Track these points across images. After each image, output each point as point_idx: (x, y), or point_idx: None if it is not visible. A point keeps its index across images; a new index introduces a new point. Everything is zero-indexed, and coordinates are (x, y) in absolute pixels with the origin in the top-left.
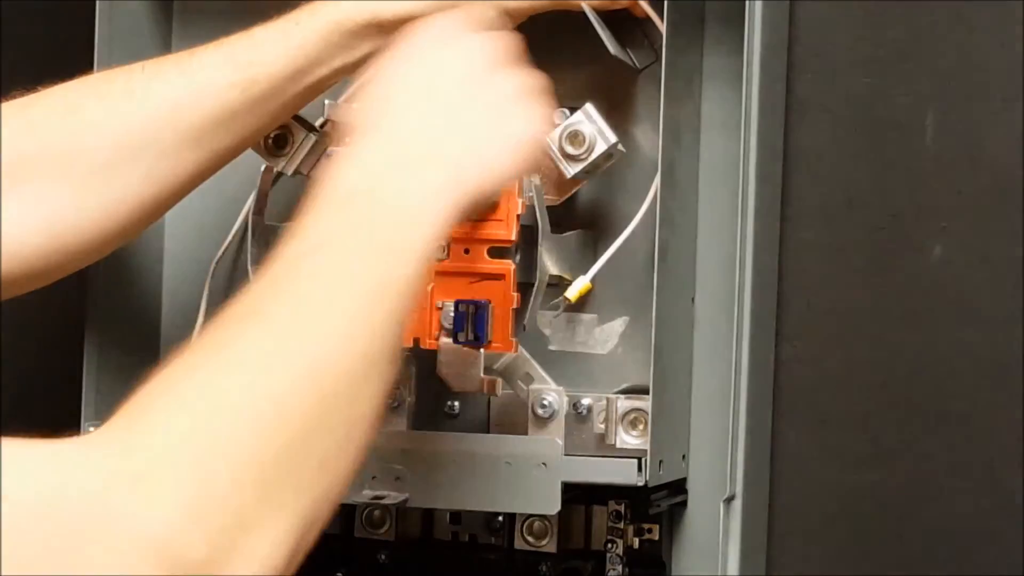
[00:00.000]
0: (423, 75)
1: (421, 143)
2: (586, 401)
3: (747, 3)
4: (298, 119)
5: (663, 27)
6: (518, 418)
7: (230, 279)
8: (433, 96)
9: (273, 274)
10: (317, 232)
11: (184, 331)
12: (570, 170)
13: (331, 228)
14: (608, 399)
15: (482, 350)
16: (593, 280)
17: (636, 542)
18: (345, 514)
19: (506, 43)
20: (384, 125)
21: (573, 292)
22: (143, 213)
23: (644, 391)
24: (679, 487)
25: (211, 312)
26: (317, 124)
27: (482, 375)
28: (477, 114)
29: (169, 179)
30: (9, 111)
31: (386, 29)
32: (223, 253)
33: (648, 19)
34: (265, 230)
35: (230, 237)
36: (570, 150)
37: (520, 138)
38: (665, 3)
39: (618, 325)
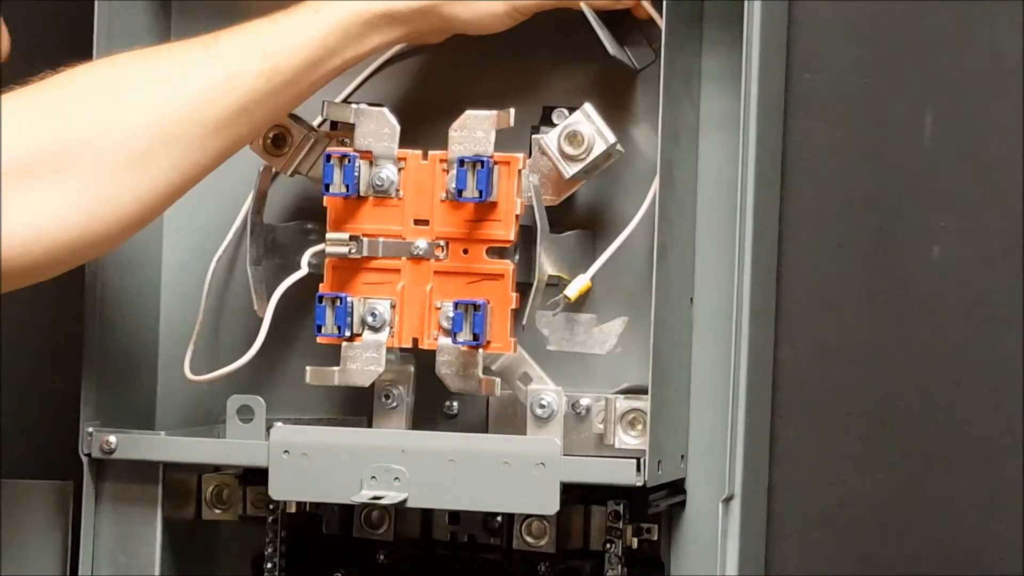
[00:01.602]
0: None
1: None
2: (585, 401)
3: (746, 3)
4: (297, 119)
5: (663, 27)
6: (517, 418)
7: (229, 278)
8: None
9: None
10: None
11: (184, 330)
12: (569, 170)
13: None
14: (607, 399)
15: (481, 350)
16: (592, 280)
17: (635, 542)
18: (344, 514)
19: None
20: None
21: (573, 291)
22: (163, 203)
23: (643, 391)
24: (678, 487)
25: (211, 311)
26: (316, 124)
27: (481, 375)
28: None
29: (192, 168)
30: (40, 93)
31: (398, 21)
32: (222, 252)
33: (647, 19)
34: (264, 229)
35: (229, 237)
36: (569, 150)
37: None
38: (664, 3)
39: (617, 325)
